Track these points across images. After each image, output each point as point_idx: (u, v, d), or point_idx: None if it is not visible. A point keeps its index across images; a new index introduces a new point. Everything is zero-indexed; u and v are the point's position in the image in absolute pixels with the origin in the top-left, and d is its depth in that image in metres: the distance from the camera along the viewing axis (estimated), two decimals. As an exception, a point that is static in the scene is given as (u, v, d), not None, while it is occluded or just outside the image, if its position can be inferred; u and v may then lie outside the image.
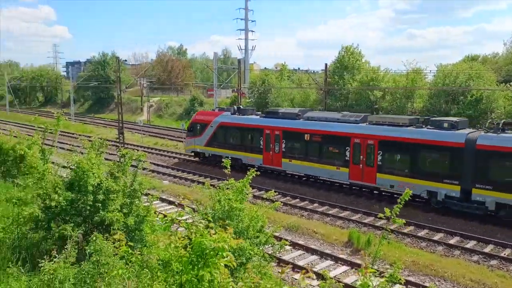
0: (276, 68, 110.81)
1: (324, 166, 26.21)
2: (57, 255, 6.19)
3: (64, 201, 7.39)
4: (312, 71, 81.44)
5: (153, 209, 8.23)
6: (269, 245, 9.12)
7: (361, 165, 24.39)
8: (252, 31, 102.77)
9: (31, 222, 7.54)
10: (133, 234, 7.57)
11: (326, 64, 49.37)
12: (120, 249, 5.97)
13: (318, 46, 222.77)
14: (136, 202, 8.06)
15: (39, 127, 10.49)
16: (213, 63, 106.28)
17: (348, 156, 24.81)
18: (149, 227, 7.99)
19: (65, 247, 6.47)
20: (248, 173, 8.44)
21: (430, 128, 22.31)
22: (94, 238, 6.18)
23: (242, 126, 31.27)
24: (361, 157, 24.24)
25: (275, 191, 9.94)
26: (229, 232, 3.80)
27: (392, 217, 5.53)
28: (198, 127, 34.21)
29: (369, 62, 60.67)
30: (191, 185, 29.93)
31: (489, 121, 26.23)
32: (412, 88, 45.45)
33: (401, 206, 5.75)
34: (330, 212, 22.96)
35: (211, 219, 6.98)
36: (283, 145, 28.47)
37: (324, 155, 26.25)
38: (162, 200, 25.74)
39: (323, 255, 17.51)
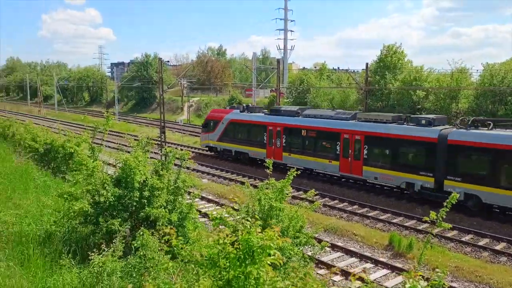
0: (315, 67, 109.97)
1: (318, 160, 28.35)
2: (105, 249, 6.46)
3: (112, 197, 7.69)
4: (352, 71, 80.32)
5: (195, 206, 8.42)
6: (309, 246, 9.11)
7: (349, 159, 26.49)
8: (291, 30, 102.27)
9: (80, 217, 7.90)
10: (176, 230, 7.75)
11: (367, 64, 48.31)
12: (169, 243, 6.17)
13: (358, 45, 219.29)
14: (179, 199, 8.28)
15: (88, 126, 11.00)
16: (252, 63, 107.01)
17: (338, 150, 26.94)
18: (191, 224, 8.17)
19: (113, 241, 6.74)
20: (288, 173, 8.46)
21: (409, 125, 24.12)
22: (141, 233, 6.40)
23: (248, 122, 33.69)
24: (350, 151, 26.33)
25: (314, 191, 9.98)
26: (276, 231, 3.85)
27: (438, 220, 5.40)
28: (212, 123, 36.66)
29: (412, 62, 59.13)
30: (229, 184, 30.43)
31: (461, 118, 27.54)
32: (457, 88, 43.85)
33: (448, 209, 5.61)
34: (370, 214, 22.60)
35: (258, 217, 7.09)
36: (284, 140, 30.80)
37: (319, 149, 28.53)
38: (202, 198, 26.21)
39: (362, 258, 17.26)
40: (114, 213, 7.73)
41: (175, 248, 4.72)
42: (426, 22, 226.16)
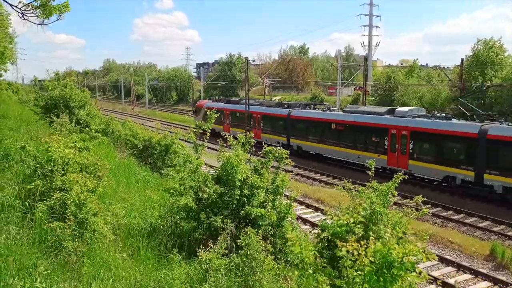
0: (401, 64, 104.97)
1: (365, 153, 30.14)
2: (212, 246, 6.57)
3: (214, 194, 7.83)
4: (443, 67, 75.44)
5: (293, 207, 8.30)
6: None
7: (396, 153, 28.05)
8: (376, 26, 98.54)
9: (183, 212, 8.15)
10: (275, 230, 7.74)
11: (462, 59, 45.12)
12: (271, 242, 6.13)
13: (448, 41, 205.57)
14: (278, 199, 8.22)
15: (193, 127, 11.45)
16: (336, 61, 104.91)
17: (386, 145, 28.81)
18: (289, 225, 8.07)
19: (218, 238, 6.84)
20: (394, 176, 7.96)
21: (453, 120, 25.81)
22: (246, 232, 6.42)
23: (218, 109, 48.25)
24: (397, 146, 27.94)
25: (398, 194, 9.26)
26: (418, 245, 3.54)
27: None
28: (198, 110, 53.16)
29: (513, 56, 54.01)
30: (313, 183, 30.03)
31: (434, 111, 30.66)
32: None
33: None
34: (467, 221, 20.95)
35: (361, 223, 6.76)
36: (229, 120, 46.05)
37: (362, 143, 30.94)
38: (285, 196, 26.07)
39: (460, 267, 16.04)
40: (215, 210, 7.87)
41: (293, 254, 4.54)
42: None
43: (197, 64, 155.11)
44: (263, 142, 11.72)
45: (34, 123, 16.25)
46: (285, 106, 40.06)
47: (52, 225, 5.75)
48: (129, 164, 13.76)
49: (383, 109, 31.80)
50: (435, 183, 26.69)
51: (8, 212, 6.34)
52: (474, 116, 25.54)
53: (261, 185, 8.02)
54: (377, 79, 69.76)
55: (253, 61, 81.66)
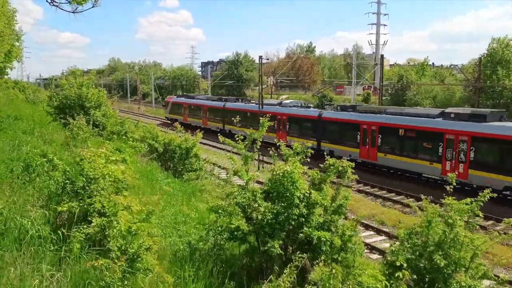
0: (407, 63, 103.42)
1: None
2: (273, 277, 5.49)
3: (269, 213, 6.70)
4: (452, 66, 73.97)
5: (358, 229, 7.16)
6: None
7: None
8: (384, 25, 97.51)
9: (226, 232, 7.05)
10: (337, 255, 6.63)
11: (480, 58, 43.93)
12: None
13: (454, 39, 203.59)
14: (341, 219, 7.10)
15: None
16: (345, 60, 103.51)
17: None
18: (357, 249, 6.91)
19: (275, 267, 5.74)
20: (480, 195, 6.85)
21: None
22: (321, 266, 5.33)
23: (179, 103, 60.03)
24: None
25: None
26: None
27: None
28: (166, 103, 64.35)
29: (530, 56, 52.61)
30: (375, 200, 23.29)
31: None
32: None
33: None
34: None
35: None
36: (186, 112, 57.48)
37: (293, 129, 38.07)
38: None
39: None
40: (269, 232, 6.73)
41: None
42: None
43: (202, 63, 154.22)
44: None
45: (47, 125, 15.21)
46: (223, 100, 52.54)
47: (96, 264, 4.63)
48: (151, 169, 12.65)
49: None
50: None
51: (38, 245, 5.23)
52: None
53: (324, 204, 6.90)
54: (389, 78, 68.45)
55: (267, 59, 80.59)
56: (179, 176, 15.12)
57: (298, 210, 6.57)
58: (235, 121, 10.48)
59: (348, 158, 31.33)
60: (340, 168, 7.08)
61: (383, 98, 65.30)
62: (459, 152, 23.42)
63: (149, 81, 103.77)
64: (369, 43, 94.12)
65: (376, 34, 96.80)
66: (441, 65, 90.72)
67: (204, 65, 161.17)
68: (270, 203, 6.93)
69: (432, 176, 25.91)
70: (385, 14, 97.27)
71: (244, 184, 7.12)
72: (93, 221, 5.35)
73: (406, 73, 62.42)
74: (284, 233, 6.74)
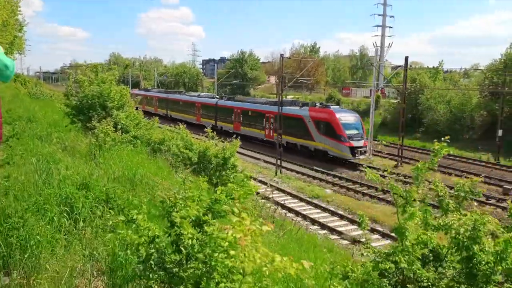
0: (410, 66, 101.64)
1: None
2: None
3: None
4: (468, 69, 72.30)
5: None
6: None
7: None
8: (390, 27, 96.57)
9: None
10: None
11: (506, 63, 42.09)
12: None
13: (456, 43, 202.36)
14: None
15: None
16: (350, 61, 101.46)
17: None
18: None
19: None
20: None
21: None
22: None
23: (140, 95, 63.70)
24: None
25: None
26: None
27: None
28: (136, 97, 68.57)
29: (552, 61, 50.91)
30: (355, 196, 26.91)
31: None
32: None
33: None
34: None
35: None
36: (145, 101, 66.01)
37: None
38: (333, 213, 23.11)
39: None
40: None
41: None
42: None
43: (203, 60, 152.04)
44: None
45: (64, 128, 13.09)
46: (166, 92, 70.01)
47: None
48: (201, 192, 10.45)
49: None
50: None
51: None
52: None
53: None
54: (401, 82, 66.60)
55: (289, 58, 78.88)
56: (214, 187, 13.06)
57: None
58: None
59: (231, 131, 40.20)
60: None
61: (395, 101, 63.70)
62: (270, 123, 40.31)
63: (150, 77, 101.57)
64: (374, 45, 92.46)
65: (382, 36, 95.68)
66: (448, 69, 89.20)
67: (205, 62, 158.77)
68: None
69: (307, 147, 36.97)
70: (391, 16, 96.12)
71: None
72: None
73: (419, 77, 60.70)
74: None
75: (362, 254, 5.00)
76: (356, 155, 32.84)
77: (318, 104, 38.17)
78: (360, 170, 31.38)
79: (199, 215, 3.76)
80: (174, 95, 63.47)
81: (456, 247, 4.06)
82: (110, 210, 4.88)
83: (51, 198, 4.97)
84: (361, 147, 33.10)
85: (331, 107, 36.89)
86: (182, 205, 3.82)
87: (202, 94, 63.87)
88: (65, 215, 4.78)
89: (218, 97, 57.56)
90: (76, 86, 14.85)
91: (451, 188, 5.30)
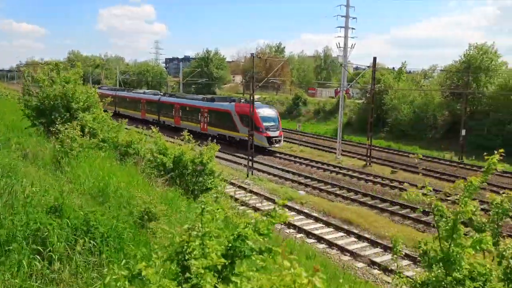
0: (369, 67, 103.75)
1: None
2: None
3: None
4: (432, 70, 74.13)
5: None
6: None
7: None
8: (352, 28, 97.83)
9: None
10: None
11: (469, 65, 43.14)
12: None
13: (411, 45, 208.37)
14: None
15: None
16: (315, 61, 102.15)
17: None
18: None
19: None
20: None
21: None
22: None
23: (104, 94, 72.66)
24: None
25: None
26: None
27: None
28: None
29: (507, 63, 52.94)
30: (327, 197, 26.55)
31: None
32: None
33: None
34: None
35: None
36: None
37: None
38: (308, 215, 22.63)
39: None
40: None
41: None
42: (488, 21, 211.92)
43: (166, 59, 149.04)
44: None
45: (23, 131, 11.83)
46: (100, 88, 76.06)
47: None
48: (173, 198, 9.56)
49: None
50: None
51: None
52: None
53: None
54: (366, 82, 67.57)
55: (258, 58, 78.17)
56: (194, 197, 12.18)
57: None
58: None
59: (172, 126, 52.37)
60: None
61: (360, 101, 64.46)
62: (205, 117, 44.16)
63: (111, 76, 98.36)
64: (337, 46, 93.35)
65: (344, 37, 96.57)
66: (409, 69, 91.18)
67: (169, 61, 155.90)
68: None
69: (234, 137, 40.37)
70: (353, 18, 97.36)
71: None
72: None
73: (384, 77, 61.66)
74: None
75: (397, 285, 4.37)
76: (272, 144, 38.40)
77: (243, 100, 44.31)
78: (325, 169, 31.27)
79: (222, 261, 2.92)
80: (122, 92, 65.10)
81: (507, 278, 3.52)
82: (91, 241, 3.99)
83: (16, 231, 3.95)
84: (276, 136, 38.71)
85: (255, 103, 39.91)
86: (197, 243, 2.99)
87: (147, 91, 65.81)
88: (37, 256, 3.79)
89: (161, 94, 60.79)
90: (34, 85, 13.53)
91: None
